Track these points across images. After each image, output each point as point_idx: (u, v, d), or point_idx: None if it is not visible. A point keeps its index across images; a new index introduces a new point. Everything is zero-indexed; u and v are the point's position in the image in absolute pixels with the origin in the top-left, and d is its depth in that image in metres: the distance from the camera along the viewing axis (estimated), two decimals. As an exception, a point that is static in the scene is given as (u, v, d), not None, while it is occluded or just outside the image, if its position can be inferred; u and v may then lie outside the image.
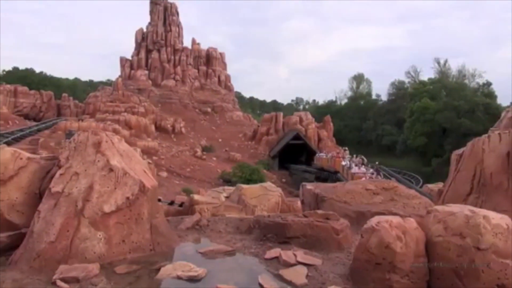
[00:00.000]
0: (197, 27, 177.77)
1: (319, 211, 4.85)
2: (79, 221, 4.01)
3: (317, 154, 42.73)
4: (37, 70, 78.45)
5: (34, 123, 45.95)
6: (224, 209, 10.38)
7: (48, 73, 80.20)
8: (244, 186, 12.16)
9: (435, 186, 12.01)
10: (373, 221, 3.59)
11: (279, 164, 48.09)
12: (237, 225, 5.41)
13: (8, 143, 27.14)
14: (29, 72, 74.97)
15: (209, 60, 68.34)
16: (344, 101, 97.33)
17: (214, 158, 45.59)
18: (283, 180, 42.87)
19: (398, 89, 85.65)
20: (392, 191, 6.33)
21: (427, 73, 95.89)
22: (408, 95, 75.83)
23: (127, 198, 4.27)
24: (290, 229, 4.52)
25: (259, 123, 59.69)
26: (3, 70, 76.13)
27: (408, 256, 3.39)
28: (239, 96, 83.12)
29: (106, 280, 3.59)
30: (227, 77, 70.25)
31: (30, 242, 4.01)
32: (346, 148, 38.93)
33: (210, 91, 65.18)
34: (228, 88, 69.31)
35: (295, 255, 4.04)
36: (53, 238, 3.92)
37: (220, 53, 70.24)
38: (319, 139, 52.31)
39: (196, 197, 11.62)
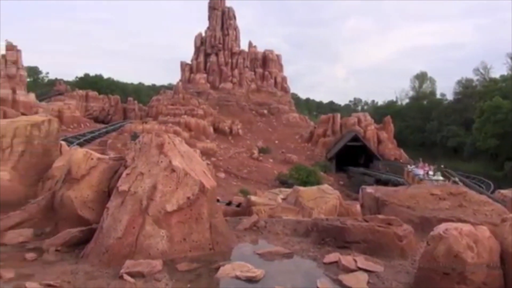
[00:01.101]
0: (254, 30, 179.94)
1: (380, 216, 4.67)
2: (144, 219, 4.20)
3: (409, 168, 34.02)
4: (105, 76, 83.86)
5: (103, 126, 49.12)
6: (280, 211, 10.36)
7: (115, 79, 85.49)
8: (301, 188, 12.06)
9: (509, 192, 11.08)
10: (441, 228, 3.38)
11: (337, 167, 47.17)
12: (294, 227, 5.37)
13: (80, 144, 29.25)
14: (98, 78, 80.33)
15: (265, 62, 68.84)
16: (405, 101, 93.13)
17: (271, 160, 45.77)
18: (341, 182, 42.00)
19: (466, 87, 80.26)
20: (460, 196, 5.94)
21: (499, 70, 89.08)
22: (477, 93, 70.83)
23: (188, 198, 4.40)
24: (349, 234, 4.40)
25: (316, 124, 59.03)
26: (76, 77, 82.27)
27: (480, 267, 3.15)
28: (295, 98, 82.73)
29: (168, 276, 3.72)
30: (283, 79, 70.27)
31: (100, 237, 4.27)
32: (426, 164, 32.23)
33: (266, 93, 65.61)
34: (284, 89, 69.32)
35: (355, 260, 3.92)
36: (120, 234, 4.14)
37: (277, 55, 70.48)
38: (379, 141, 50.60)
39: (253, 198, 11.71)
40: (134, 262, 3.82)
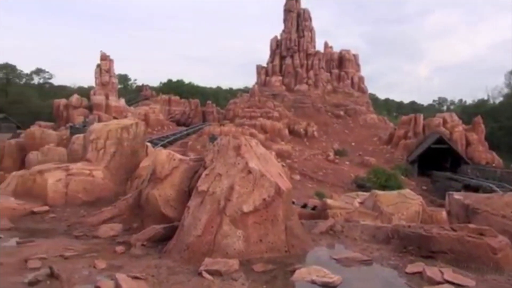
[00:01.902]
0: (330, 30, 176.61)
1: (471, 225, 4.27)
2: (222, 219, 4.32)
3: None
4: (186, 81, 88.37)
5: (184, 128, 51.75)
6: (358, 215, 10.02)
7: (195, 83, 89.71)
8: (380, 192, 11.56)
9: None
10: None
11: (419, 170, 44.39)
12: (373, 233, 5.15)
13: (164, 146, 31.12)
14: (180, 83, 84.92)
15: (341, 63, 67.28)
16: (499, 99, 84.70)
17: (347, 162, 44.58)
18: (424, 187, 39.46)
19: None
20: None
21: None
22: None
23: (264, 199, 4.43)
24: (435, 243, 4.09)
25: (396, 126, 56.16)
26: (160, 83, 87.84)
27: None
28: (373, 98, 79.62)
29: (244, 276, 3.77)
30: (361, 79, 68.07)
31: (181, 234, 4.47)
32: None
33: (343, 94, 64.08)
34: (362, 90, 67.11)
35: (441, 272, 3.63)
36: (200, 232, 4.30)
37: (353, 55, 68.52)
38: (468, 143, 46.63)
39: (329, 201, 11.50)
40: (212, 261, 3.94)
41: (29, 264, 3.92)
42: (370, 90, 72.59)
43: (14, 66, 63.78)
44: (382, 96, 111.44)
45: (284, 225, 4.51)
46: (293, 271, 3.77)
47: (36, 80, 67.73)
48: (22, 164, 23.74)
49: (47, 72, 68.81)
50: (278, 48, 65.78)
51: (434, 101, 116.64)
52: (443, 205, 7.70)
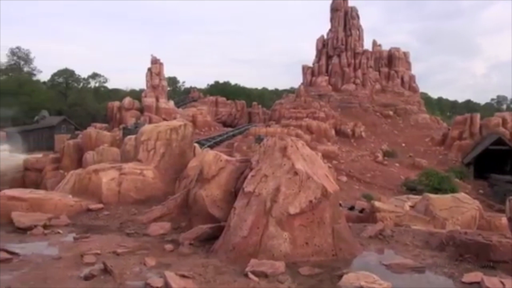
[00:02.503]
0: (378, 28, 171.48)
1: (537, 233, 3.95)
2: (268, 220, 4.31)
3: None
4: (233, 83, 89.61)
5: (230, 129, 52.47)
6: (408, 219, 9.63)
7: (241, 85, 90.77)
8: (432, 195, 11.03)
9: None
10: None
11: (475, 173, 41.92)
12: (426, 239, 4.91)
13: (211, 147, 31.74)
14: (226, 85, 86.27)
15: (391, 61, 65.17)
16: None
17: (397, 164, 43.08)
18: (480, 191, 37.25)
19: None
20: None
21: None
22: None
23: (310, 201, 4.37)
24: (496, 252, 3.83)
25: (450, 126, 53.50)
26: (208, 84, 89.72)
27: None
28: (425, 97, 76.28)
29: (290, 279, 3.73)
30: (411, 78, 65.55)
31: (227, 235, 4.51)
32: None
33: (392, 93, 62.04)
34: (413, 89, 64.61)
35: (502, 283, 3.39)
36: (246, 233, 4.32)
37: (404, 53, 66.13)
38: (530, 145, 43.44)
39: (377, 204, 11.14)
40: (258, 262, 3.93)
41: (85, 259, 4.12)
42: (422, 89, 69.72)
43: (73, 71, 67.82)
44: (434, 95, 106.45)
45: (331, 228, 4.42)
46: (340, 276, 3.68)
47: (92, 84, 71.60)
48: (79, 163, 25.18)
49: (102, 76, 72.54)
50: (325, 47, 64.90)
51: (492, 99, 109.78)
52: (502, 210, 7.21)
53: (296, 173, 4.45)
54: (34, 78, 64.81)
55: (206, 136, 43.13)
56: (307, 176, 4.43)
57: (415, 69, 68.31)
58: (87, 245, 4.72)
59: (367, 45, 65.62)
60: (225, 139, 43.29)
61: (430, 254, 4.43)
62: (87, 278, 3.62)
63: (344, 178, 34.82)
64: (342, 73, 62.02)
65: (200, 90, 76.32)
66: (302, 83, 63.60)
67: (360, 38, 64.01)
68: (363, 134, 49.86)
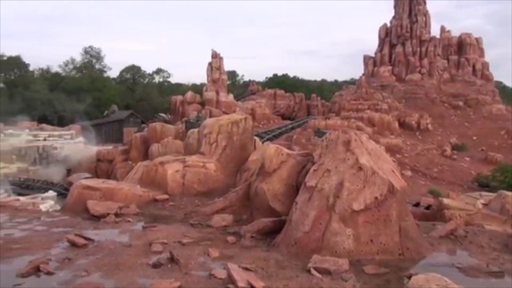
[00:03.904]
0: (448, 12, 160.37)
1: None
2: (330, 216, 4.21)
3: None
4: (291, 75, 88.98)
5: (289, 122, 52.30)
6: (481, 218, 9.00)
7: (300, 77, 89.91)
8: (509, 193, 10.21)
9: None
10: None
11: (558, 169, 38.12)
12: (505, 241, 4.53)
13: (269, 140, 31.88)
14: (285, 78, 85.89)
15: (461, 48, 60.94)
16: None
17: (467, 158, 40.38)
18: None
19: None
20: None
21: None
22: None
23: (376, 198, 4.20)
24: None
25: (529, 117, 49.01)
26: (266, 77, 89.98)
27: None
28: (500, 86, 70.43)
29: (355, 278, 3.62)
30: (484, 65, 60.82)
31: (289, 229, 4.48)
32: None
33: (462, 83, 58.06)
34: (486, 77, 59.94)
35: None
36: (308, 228, 4.26)
37: (476, 38, 61.47)
38: None
39: (446, 201, 10.54)
40: (321, 258, 3.86)
41: (153, 248, 4.31)
42: (497, 77, 64.46)
43: (139, 68, 71.35)
44: (511, 83, 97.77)
45: (398, 226, 4.22)
46: (408, 277, 3.50)
47: (156, 79, 74.83)
48: (145, 155, 26.55)
49: (166, 71, 75.49)
50: (388, 36, 62.20)
51: None
52: None
53: (360, 168, 4.30)
54: (105, 75, 69.18)
55: (265, 129, 43.38)
56: (372, 172, 4.26)
57: (489, 56, 63.23)
58: (155, 234, 4.94)
59: (435, 31, 61.85)
60: (284, 132, 43.22)
61: (510, 258, 4.08)
62: (155, 266, 3.79)
63: (409, 173, 33.33)
64: (407, 62, 59.10)
65: (258, 83, 76.77)
66: (364, 74, 61.58)
67: (426, 24, 60.44)
68: (429, 126, 47.27)
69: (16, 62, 55.61)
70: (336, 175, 4.38)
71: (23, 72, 56.79)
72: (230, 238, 4.86)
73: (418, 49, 59.10)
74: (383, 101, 47.95)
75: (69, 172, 30.28)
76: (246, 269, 3.66)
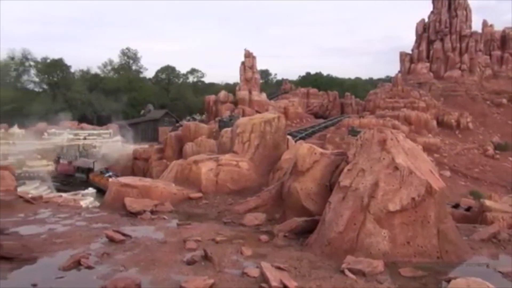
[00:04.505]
0: (490, 6, 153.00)
1: None
2: (365, 216, 4.13)
3: None
4: (325, 74, 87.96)
5: (322, 121, 51.74)
6: (528, 222, 8.52)
7: (333, 75, 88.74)
8: (558, 196, 9.61)
9: None
10: None
11: None
12: (553, 246, 4.28)
13: (302, 138, 31.66)
14: (318, 76, 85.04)
15: (505, 43, 58.09)
16: None
17: (511, 158, 38.46)
18: None
19: None
20: None
21: None
22: None
23: (413, 198, 4.08)
24: None
25: None
26: (299, 76, 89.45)
27: None
28: (548, 83, 66.54)
29: (390, 280, 3.53)
30: (531, 60, 57.70)
31: (322, 229, 4.43)
32: None
33: (506, 79, 55.31)
34: (532, 73, 56.85)
35: None
36: (341, 229, 4.20)
37: (521, 32, 58.43)
38: None
39: (488, 202, 10.06)
40: (355, 259, 3.80)
41: (187, 245, 4.38)
42: (544, 73, 60.78)
43: (174, 68, 72.81)
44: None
45: (437, 229, 4.08)
46: (447, 281, 3.38)
47: (191, 79, 76.09)
48: (180, 153, 27.06)
49: (200, 71, 76.62)
50: (425, 32, 60.24)
51: None
52: None
53: (396, 168, 4.18)
54: (141, 76, 71.09)
55: (297, 127, 43.14)
56: (409, 171, 4.14)
57: (536, 51, 59.66)
58: (189, 231, 5.02)
59: (476, 26, 59.28)
60: (317, 130, 42.82)
61: (559, 264, 3.85)
62: (189, 263, 3.85)
63: (448, 173, 32.17)
64: (446, 58, 57.00)
65: (291, 82, 76.42)
66: (400, 71, 59.95)
67: (467, 19, 58.04)
68: (470, 125, 45.40)
69: (58, 65, 58.14)
70: (371, 175, 4.29)
71: (65, 74, 59.29)
72: (263, 237, 4.87)
73: (458, 44, 56.88)
74: (420, 99, 46.48)
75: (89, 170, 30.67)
76: (279, 268, 3.65)
